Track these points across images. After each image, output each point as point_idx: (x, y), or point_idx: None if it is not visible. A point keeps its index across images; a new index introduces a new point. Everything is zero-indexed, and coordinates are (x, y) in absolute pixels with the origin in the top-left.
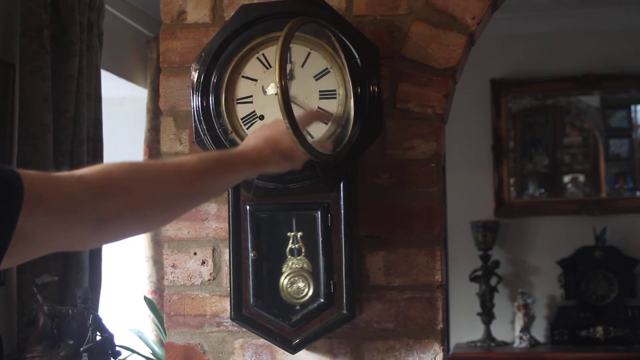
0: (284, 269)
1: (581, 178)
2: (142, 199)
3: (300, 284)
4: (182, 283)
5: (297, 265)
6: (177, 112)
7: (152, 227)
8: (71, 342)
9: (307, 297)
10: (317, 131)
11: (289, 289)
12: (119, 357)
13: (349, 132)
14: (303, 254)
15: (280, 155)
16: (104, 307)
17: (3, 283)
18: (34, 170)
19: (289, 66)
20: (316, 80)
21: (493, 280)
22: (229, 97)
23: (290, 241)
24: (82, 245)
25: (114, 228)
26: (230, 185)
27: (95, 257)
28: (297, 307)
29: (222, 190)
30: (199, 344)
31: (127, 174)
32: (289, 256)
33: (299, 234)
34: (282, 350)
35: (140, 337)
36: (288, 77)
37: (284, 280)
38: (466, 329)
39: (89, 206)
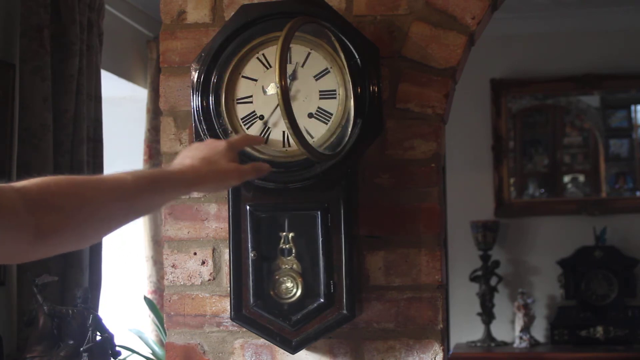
0: (274, 269)
1: (581, 178)
2: (78, 216)
3: (289, 284)
4: (182, 283)
5: (286, 266)
6: (177, 112)
7: (88, 242)
8: (71, 342)
9: (294, 298)
10: (317, 131)
11: (277, 289)
12: (119, 357)
13: (349, 132)
14: (293, 254)
15: (217, 176)
16: (104, 307)
17: (3, 283)
18: None
19: (291, 67)
20: (316, 80)
21: (493, 280)
22: (229, 97)
23: (282, 241)
24: (19, 258)
25: (51, 242)
26: (165, 203)
27: (95, 257)
28: (285, 307)
29: (156, 208)
30: (199, 344)
31: (65, 189)
32: (280, 256)
33: (291, 234)
34: (282, 350)
35: (140, 337)
36: (291, 78)
37: (274, 280)
38: (466, 329)
39: (27, 219)
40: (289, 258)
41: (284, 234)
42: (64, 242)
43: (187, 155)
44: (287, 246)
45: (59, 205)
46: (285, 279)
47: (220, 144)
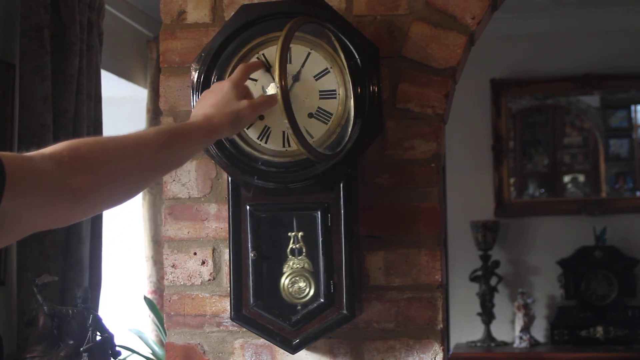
0: (284, 269)
1: (581, 178)
2: (110, 173)
3: (302, 284)
4: (182, 283)
5: (298, 265)
6: (177, 112)
7: (123, 200)
8: (71, 342)
9: (308, 297)
10: (317, 131)
11: (290, 289)
12: (119, 357)
13: (349, 132)
14: (304, 253)
15: (230, 117)
16: (104, 307)
17: (3, 283)
18: (10, 153)
19: (295, 68)
20: (316, 80)
21: (493, 280)
22: None
23: (292, 241)
24: (61, 222)
25: (88, 202)
26: (188, 156)
27: (95, 257)
28: (299, 307)
29: (181, 162)
30: (199, 344)
31: (94, 150)
32: (290, 256)
33: (300, 233)
34: (282, 350)
35: (140, 337)
36: (294, 79)
37: (285, 280)
38: (466, 329)
39: (63, 183)
40: (300, 258)
41: (293, 233)
42: (102, 200)
43: (199, 106)
44: (297, 246)
45: (91, 165)
46: (297, 278)
47: (224, 85)
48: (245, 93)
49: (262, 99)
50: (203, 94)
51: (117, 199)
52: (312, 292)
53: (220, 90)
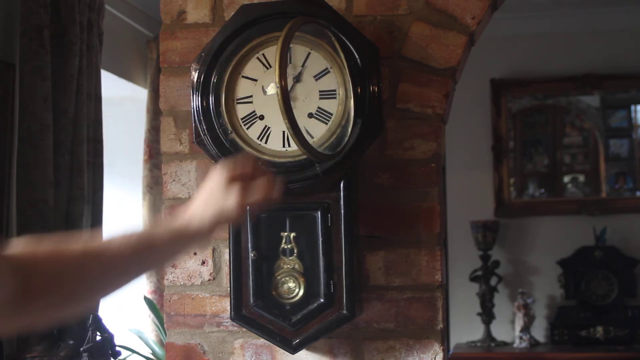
0: (275, 269)
1: (581, 178)
2: (65, 286)
3: (291, 284)
4: (182, 283)
5: (288, 266)
6: (177, 112)
7: (78, 307)
8: (71, 342)
9: (297, 298)
10: (317, 131)
11: (279, 289)
12: (119, 357)
13: (349, 132)
14: (295, 254)
15: (211, 223)
16: (104, 307)
17: None
18: None
19: (297, 69)
20: (316, 80)
21: (493, 280)
22: (229, 97)
23: (283, 241)
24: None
25: (34, 306)
26: (167, 262)
27: None
28: (287, 307)
29: (156, 268)
30: (199, 344)
31: (51, 258)
32: (281, 256)
33: (292, 234)
34: (282, 350)
35: (140, 337)
36: (295, 80)
37: (275, 280)
38: (466, 329)
39: (10, 283)
40: (290, 258)
41: (286, 234)
42: (48, 307)
43: (194, 202)
44: (288, 246)
45: (46, 274)
46: (287, 279)
47: (213, 179)
48: (234, 189)
49: (256, 200)
50: (203, 185)
51: (69, 308)
52: (301, 293)
53: (209, 186)
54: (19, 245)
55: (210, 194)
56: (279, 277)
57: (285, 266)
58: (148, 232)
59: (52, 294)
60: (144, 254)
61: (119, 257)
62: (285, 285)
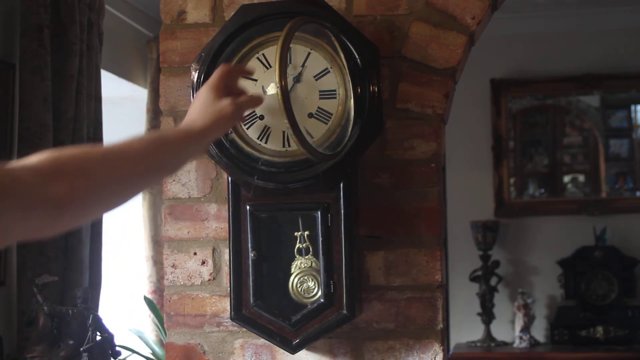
0: (292, 269)
1: (581, 178)
2: (93, 182)
3: (310, 283)
4: (182, 283)
5: (305, 265)
6: (177, 112)
7: (107, 209)
8: (71, 342)
9: (316, 296)
10: (317, 131)
11: (299, 288)
12: (119, 357)
13: (349, 132)
14: (311, 252)
15: (210, 119)
16: (104, 307)
17: (3, 283)
18: None
19: (297, 69)
20: (316, 80)
21: (493, 280)
22: None
23: (298, 240)
24: (44, 233)
25: (71, 212)
26: (178, 163)
27: (95, 257)
28: (309, 306)
29: (170, 169)
30: (199, 344)
31: (76, 158)
32: (297, 255)
33: (306, 232)
34: (282, 350)
35: (140, 337)
36: (295, 80)
37: (293, 280)
38: (466, 329)
39: (44, 193)
40: (306, 257)
41: (299, 233)
42: (85, 210)
43: (188, 113)
44: (304, 245)
45: (73, 174)
46: (306, 278)
47: (202, 89)
48: (227, 93)
49: (245, 97)
50: (192, 101)
51: (101, 208)
52: (320, 292)
53: (200, 95)
54: (40, 156)
55: (204, 103)
56: (299, 277)
57: (303, 265)
58: (159, 133)
59: (86, 195)
60: (160, 149)
61: (139, 152)
62: (305, 285)
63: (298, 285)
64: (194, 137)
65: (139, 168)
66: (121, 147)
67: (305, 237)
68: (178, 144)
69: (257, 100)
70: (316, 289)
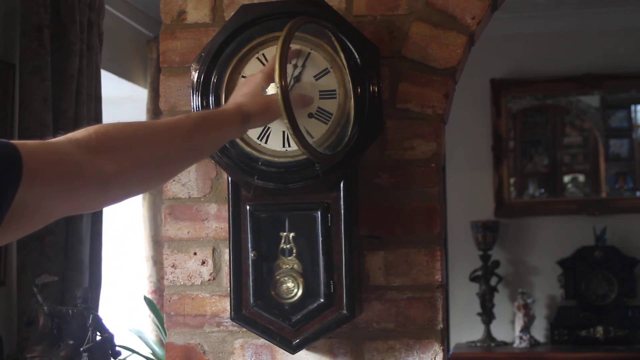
0: (274, 269)
1: (581, 178)
2: (140, 157)
3: (290, 284)
4: (182, 283)
5: (287, 266)
6: (177, 112)
7: (152, 185)
8: (71, 342)
9: (295, 298)
10: (317, 131)
11: (278, 289)
12: (119, 357)
13: (349, 132)
14: (294, 254)
15: (259, 107)
16: (104, 307)
17: (3, 283)
18: (31, 141)
19: (297, 69)
20: (316, 80)
21: (493, 280)
22: (229, 97)
23: (282, 241)
24: (90, 207)
25: (117, 187)
26: (219, 143)
27: (95, 257)
28: (286, 307)
29: (212, 148)
30: (199, 344)
31: (123, 133)
32: (280, 256)
33: (291, 234)
34: (282, 350)
35: (140, 337)
36: (294, 80)
37: (275, 280)
38: (466, 329)
39: (90, 167)
40: (289, 258)
41: (285, 234)
42: (131, 185)
43: (232, 97)
44: (287, 246)
45: (120, 148)
46: (286, 278)
47: (257, 75)
48: None
49: (296, 95)
50: (239, 84)
51: (147, 184)
52: (300, 293)
53: (252, 81)
54: (86, 131)
55: (256, 89)
56: (278, 277)
57: (284, 266)
58: (204, 113)
59: (130, 170)
60: (206, 130)
61: (185, 130)
62: (284, 285)
63: (277, 285)
64: (241, 119)
65: (185, 145)
66: (168, 124)
67: (290, 238)
68: (225, 125)
69: (308, 100)
70: (295, 289)
